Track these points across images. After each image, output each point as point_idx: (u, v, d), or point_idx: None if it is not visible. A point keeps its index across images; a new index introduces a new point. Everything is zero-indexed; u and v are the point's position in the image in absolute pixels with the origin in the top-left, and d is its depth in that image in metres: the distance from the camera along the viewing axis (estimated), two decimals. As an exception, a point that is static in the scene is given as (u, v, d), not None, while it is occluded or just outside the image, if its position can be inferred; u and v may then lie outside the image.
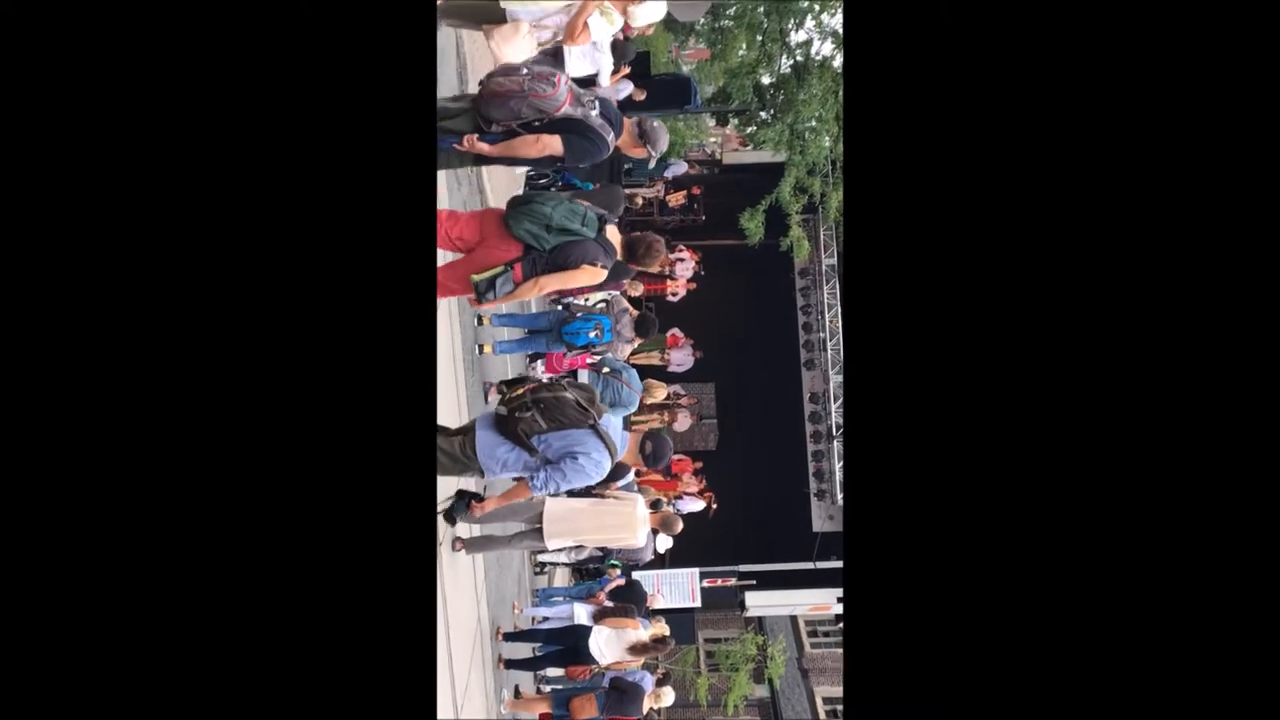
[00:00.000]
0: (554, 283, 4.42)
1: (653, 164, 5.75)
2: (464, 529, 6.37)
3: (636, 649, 7.70)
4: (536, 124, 4.27)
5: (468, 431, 4.28)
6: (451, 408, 6.56)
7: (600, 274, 4.49)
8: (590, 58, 10.66)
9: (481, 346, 8.11)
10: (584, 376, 6.73)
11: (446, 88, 7.85)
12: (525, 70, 4.27)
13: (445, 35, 7.95)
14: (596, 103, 4.43)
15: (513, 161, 4.43)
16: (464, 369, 7.21)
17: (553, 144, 4.30)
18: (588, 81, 10.97)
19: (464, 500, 4.23)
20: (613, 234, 4.52)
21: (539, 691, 8.90)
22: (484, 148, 4.30)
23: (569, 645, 8.04)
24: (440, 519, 4.22)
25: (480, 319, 7.88)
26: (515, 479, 4.56)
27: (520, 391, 4.15)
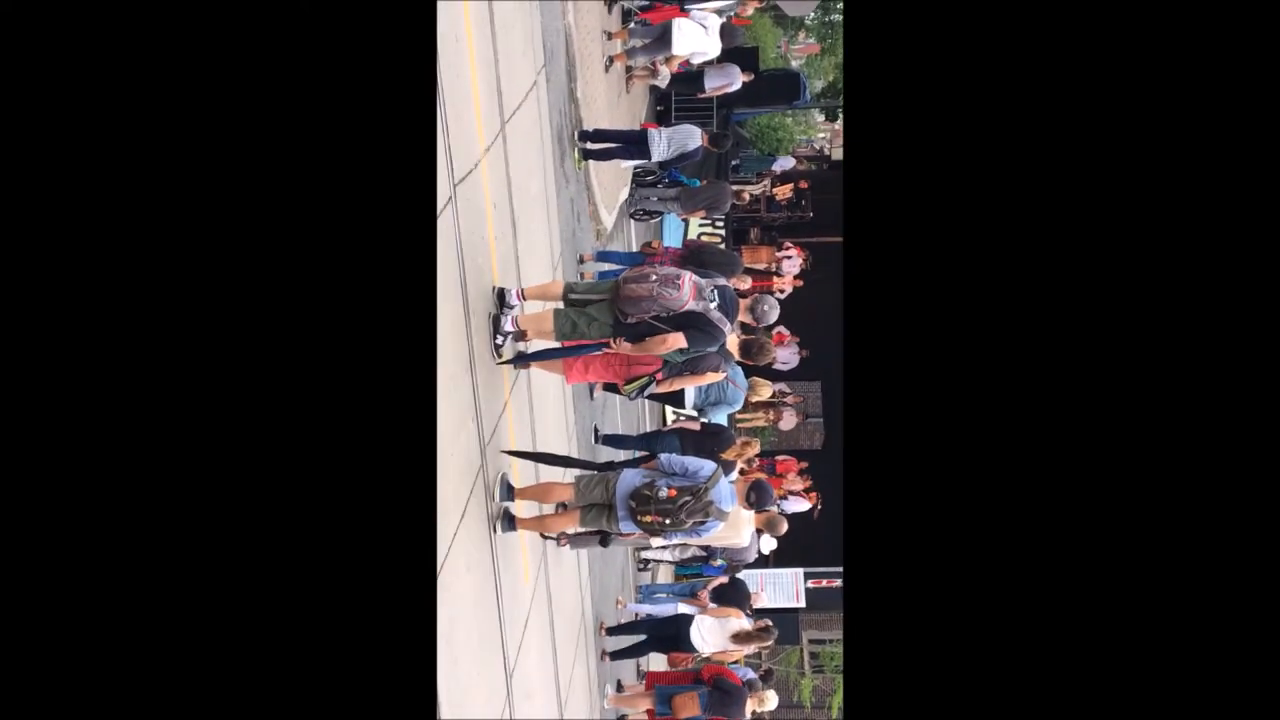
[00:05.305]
0: (685, 382, 5.94)
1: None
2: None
3: (740, 637, 7.65)
4: (665, 317, 5.14)
5: (609, 486, 5.40)
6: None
7: (721, 376, 6.06)
8: (699, 39, 10.68)
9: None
10: (690, 392, 6.80)
11: (556, 89, 7.92)
12: (655, 277, 5.14)
13: (556, 35, 8.03)
14: (715, 295, 5.24)
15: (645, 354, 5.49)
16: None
17: (677, 340, 5.18)
18: (693, 71, 10.98)
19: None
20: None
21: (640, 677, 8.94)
22: (626, 348, 5.28)
23: (670, 634, 8.05)
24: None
25: (592, 394, 8.55)
26: None
27: (650, 520, 5.23)
